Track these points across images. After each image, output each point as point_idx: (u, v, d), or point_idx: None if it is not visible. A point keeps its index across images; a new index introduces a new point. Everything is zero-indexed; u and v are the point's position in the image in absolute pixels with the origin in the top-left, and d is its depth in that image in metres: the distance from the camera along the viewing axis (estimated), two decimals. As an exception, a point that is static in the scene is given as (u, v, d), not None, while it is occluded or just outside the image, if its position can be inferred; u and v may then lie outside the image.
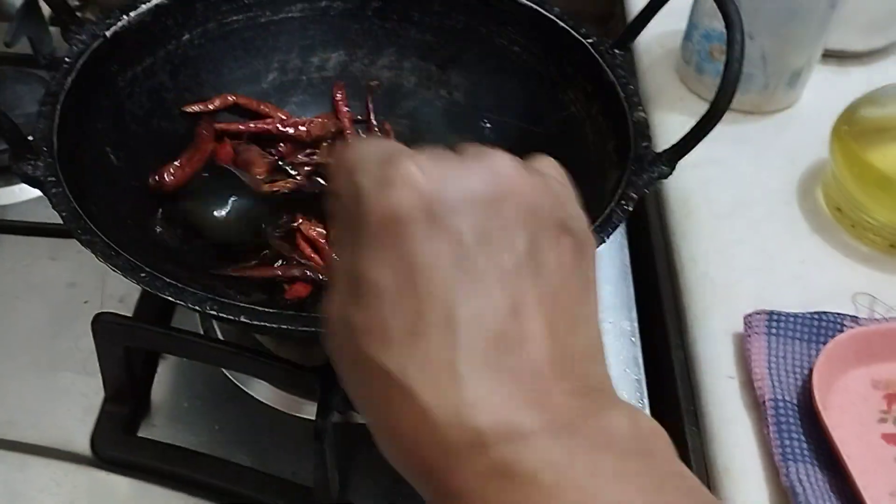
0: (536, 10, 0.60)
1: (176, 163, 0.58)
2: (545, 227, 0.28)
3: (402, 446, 0.27)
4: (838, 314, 0.55)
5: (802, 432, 0.50)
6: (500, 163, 0.28)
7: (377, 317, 0.26)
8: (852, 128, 0.62)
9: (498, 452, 0.25)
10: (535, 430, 0.25)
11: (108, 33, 0.54)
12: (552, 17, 0.59)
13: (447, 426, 0.25)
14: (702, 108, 0.49)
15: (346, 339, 0.28)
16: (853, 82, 0.74)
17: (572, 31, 0.58)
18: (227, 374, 0.58)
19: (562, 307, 0.27)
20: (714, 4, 0.49)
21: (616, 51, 0.56)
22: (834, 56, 0.76)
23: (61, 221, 0.44)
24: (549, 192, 0.28)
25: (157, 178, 0.57)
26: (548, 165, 0.30)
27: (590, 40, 0.57)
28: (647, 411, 0.58)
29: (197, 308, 0.41)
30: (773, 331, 0.54)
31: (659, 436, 0.27)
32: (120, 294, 0.62)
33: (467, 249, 0.26)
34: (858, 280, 0.60)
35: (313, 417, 0.48)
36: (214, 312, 0.41)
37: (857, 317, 0.55)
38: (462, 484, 0.25)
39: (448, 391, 0.25)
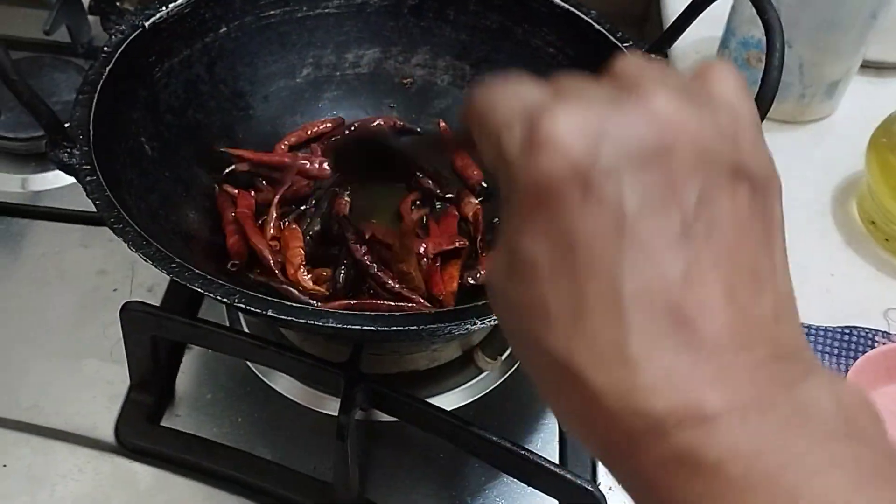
0: (573, 12, 0.59)
1: (230, 241, 0.56)
2: (717, 176, 0.24)
3: (577, 424, 0.25)
4: (869, 329, 0.54)
5: (830, 448, 0.49)
6: (661, 102, 0.24)
7: (536, 296, 0.24)
8: (890, 140, 0.61)
9: (679, 439, 0.22)
10: (719, 412, 0.22)
11: (146, 24, 0.55)
12: (588, 19, 0.59)
13: (622, 412, 0.23)
14: (738, 115, 0.48)
15: (504, 312, 0.26)
16: (892, 94, 0.73)
17: (608, 35, 0.58)
18: (251, 367, 0.58)
19: (741, 266, 0.24)
20: (753, 12, 0.49)
21: (652, 56, 0.56)
22: (873, 67, 0.75)
23: (93, 209, 0.45)
24: (720, 131, 0.24)
25: (235, 263, 0.55)
26: (721, 85, 0.26)
27: (626, 44, 0.57)
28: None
29: (225, 300, 0.42)
30: (803, 344, 0.53)
31: (865, 409, 0.24)
32: (149, 283, 0.62)
33: (628, 216, 0.23)
34: (891, 295, 0.59)
35: (335, 413, 0.48)
36: (242, 305, 0.41)
37: (888, 332, 0.55)
38: (644, 471, 0.23)
39: (619, 375, 0.23)
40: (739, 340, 0.23)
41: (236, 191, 0.59)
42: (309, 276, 0.54)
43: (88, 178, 0.46)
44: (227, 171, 0.60)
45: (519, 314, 0.25)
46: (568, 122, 0.23)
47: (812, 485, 0.21)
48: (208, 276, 0.42)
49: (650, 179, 0.23)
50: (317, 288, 0.54)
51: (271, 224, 0.57)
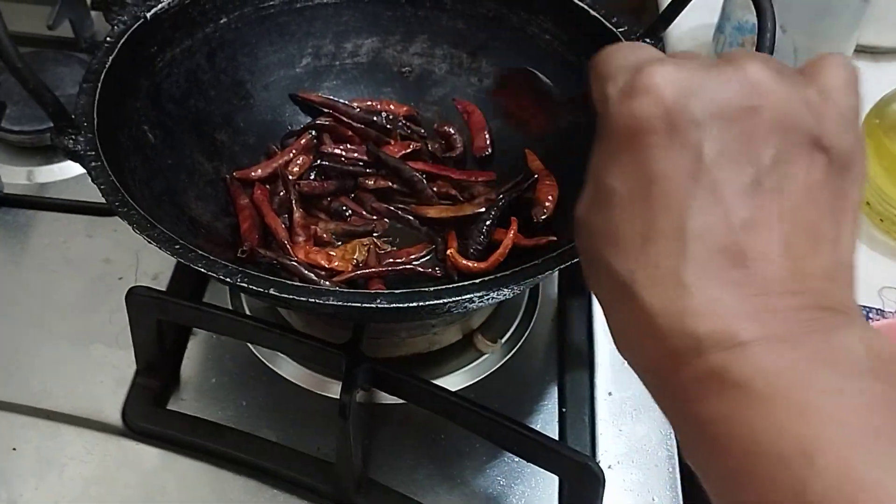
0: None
1: (244, 227, 0.56)
2: (795, 143, 0.27)
3: (629, 343, 0.29)
4: (864, 307, 0.55)
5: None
6: (756, 71, 0.27)
7: (611, 222, 0.28)
8: (883, 121, 0.62)
9: (714, 358, 0.25)
10: (753, 339, 0.25)
11: (148, 15, 0.56)
12: (583, 5, 0.59)
13: (670, 331, 0.26)
14: (731, 98, 0.49)
15: (585, 239, 0.30)
16: (886, 77, 0.74)
17: (603, 20, 0.58)
18: (255, 352, 0.59)
19: (803, 226, 0.26)
20: (745, -6, 0.50)
21: (647, 40, 0.57)
22: (867, 51, 0.76)
23: (98, 200, 0.46)
24: (805, 106, 0.27)
25: (245, 248, 0.55)
26: (827, 72, 0.28)
27: (621, 29, 0.57)
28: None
29: (228, 280, 0.42)
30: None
31: None
32: (153, 271, 0.63)
33: (706, 162, 0.26)
34: (885, 274, 0.60)
35: (338, 396, 0.49)
36: (245, 285, 0.42)
37: (883, 310, 0.55)
38: (681, 386, 0.26)
39: (672, 298, 0.26)
40: (787, 286, 0.26)
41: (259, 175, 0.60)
42: (320, 254, 0.55)
43: (93, 164, 0.47)
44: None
45: (595, 238, 0.29)
46: (665, 75, 0.27)
47: (826, 405, 0.23)
48: (210, 257, 0.43)
49: (731, 133, 0.26)
50: (332, 265, 0.55)
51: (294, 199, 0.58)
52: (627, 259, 0.27)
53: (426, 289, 0.43)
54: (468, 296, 0.43)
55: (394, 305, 0.42)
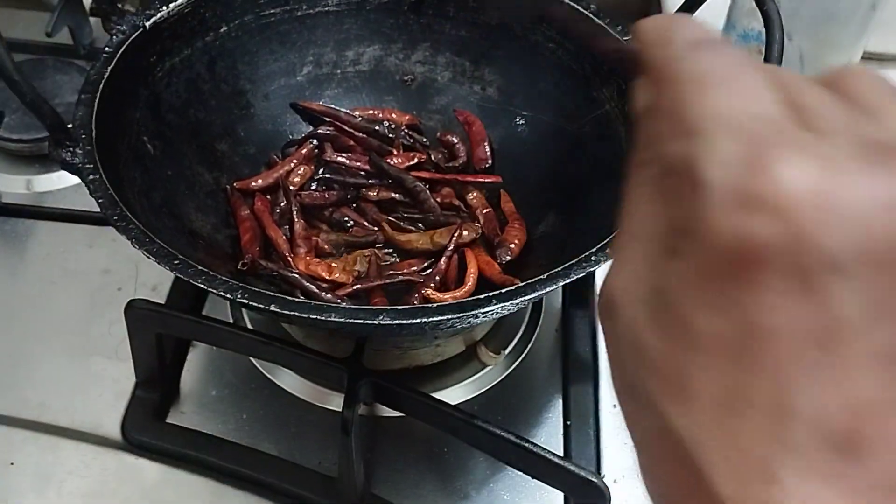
0: (573, 6, 0.59)
1: (244, 239, 0.56)
2: None
3: (667, 495, 0.22)
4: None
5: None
6: None
7: (679, 362, 0.20)
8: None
9: None
10: None
11: (147, 24, 0.55)
12: (588, 13, 0.59)
13: None
14: (738, 108, 0.48)
15: (627, 353, 0.21)
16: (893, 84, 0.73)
17: (608, 29, 0.58)
18: (256, 364, 0.58)
19: None
20: (752, 4, 0.49)
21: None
22: (875, 58, 0.75)
23: (97, 209, 0.45)
24: None
25: (245, 261, 0.55)
26: None
27: (626, 38, 0.57)
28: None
29: (228, 296, 0.42)
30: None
31: None
32: (153, 283, 0.63)
33: (840, 324, 0.18)
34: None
35: (340, 409, 0.48)
36: (245, 301, 0.42)
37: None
38: None
39: (756, 491, 0.19)
40: None
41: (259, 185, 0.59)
42: (321, 265, 0.55)
43: (91, 177, 0.46)
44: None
45: (646, 369, 0.21)
46: (801, 176, 0.18)
47: None
48: (211, 272, 0.43)
49: (881, 286, 0.18)
50: (333, 277, 0.55)
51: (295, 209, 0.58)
52: (696, 424, 0.20)
53: (429, 305, 0.42)
54: (472, 311, 0.42)
55: (397, 322, 0.42)
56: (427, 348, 0.58)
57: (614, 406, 0.58)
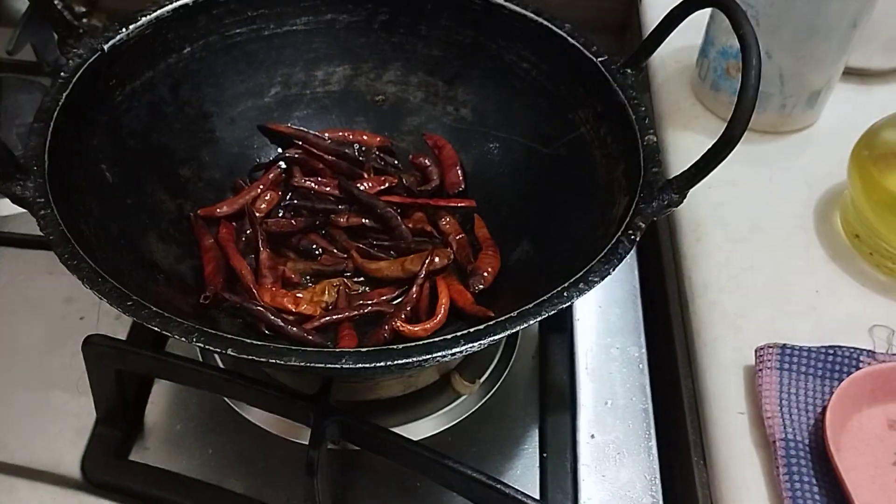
0: (547, 26, 0.58)
1: (208, 269, 0.54)
2: None
3: None
4: (854, 349, 0.53)
5: (814, 475, 0.48)
6: None
7: None
8: (872, 152, 0.60)
9: None
10: None
11: (105, 47, 0.53)
12: (563, 33, 0.57)
13: None
14: (717, 126, 0.47)
15: None
16: (875, 101, 0.72)
17: (583, 49, 0.56)
18: (223, 397, 0.57)
19: None
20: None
21: (629, 71, 0.55)
22: (856, 74, 0.74)
23: (53, 240, 0.43)
24: None
25: (208, 294, 0.53)
26: None
27: (601, 59, 0.55)
28: (654, 441, 0.56)
29: (183, 339, 0.40)
30: (786, 366, 0.52)
31: None
32: (116, 312, 0.60)
33: None
34: (876, 311, 0.58)
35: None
36: (202, 345, 0.40)
37: (873, 351, 0.53)
38: None
39: None
40: None
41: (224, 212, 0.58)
42: (287, 297, 0.53)
43: (42, 213, 0.44)
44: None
45: None
46: None
47: None
48: (165, 314, 0.41)
49: None
50: (300, 309, 0.53)
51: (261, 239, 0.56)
52: None
53: (394, 346, 0.40)
54: (438, 353, 0.40)
55: (360, 366, 0.40)
56: (400, 379, 0.57)
57: (592, 436, 0.56)
